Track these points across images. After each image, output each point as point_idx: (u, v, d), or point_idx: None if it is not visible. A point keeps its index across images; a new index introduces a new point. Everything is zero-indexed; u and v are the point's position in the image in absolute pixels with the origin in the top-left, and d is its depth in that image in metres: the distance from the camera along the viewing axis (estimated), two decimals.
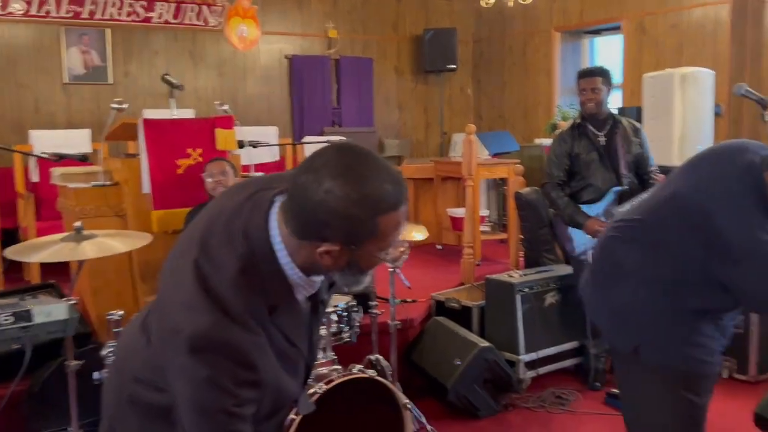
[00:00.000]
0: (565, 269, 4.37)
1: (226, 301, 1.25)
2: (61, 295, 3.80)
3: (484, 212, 6.43)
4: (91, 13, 7.26)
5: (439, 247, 6.66)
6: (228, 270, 1.27)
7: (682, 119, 4.93)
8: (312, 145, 6.67)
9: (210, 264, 1.29)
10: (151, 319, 1.41)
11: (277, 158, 6.68)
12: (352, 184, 1.21)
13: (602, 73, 4.05)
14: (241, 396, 1.24)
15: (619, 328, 2.28)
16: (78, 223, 2.73)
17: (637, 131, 4.11)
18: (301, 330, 1.40)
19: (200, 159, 3.66)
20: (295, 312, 1.37)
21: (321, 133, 8.17)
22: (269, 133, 6.28)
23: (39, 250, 2.68)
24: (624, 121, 4.13)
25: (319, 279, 1.40)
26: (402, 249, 1.34)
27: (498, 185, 6.97)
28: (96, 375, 2.67)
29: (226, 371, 1.22)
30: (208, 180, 3.48)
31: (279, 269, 1.31)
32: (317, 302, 1.44)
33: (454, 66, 9.02)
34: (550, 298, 4.23)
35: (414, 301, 4.60)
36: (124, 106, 3.57)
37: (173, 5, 7.68)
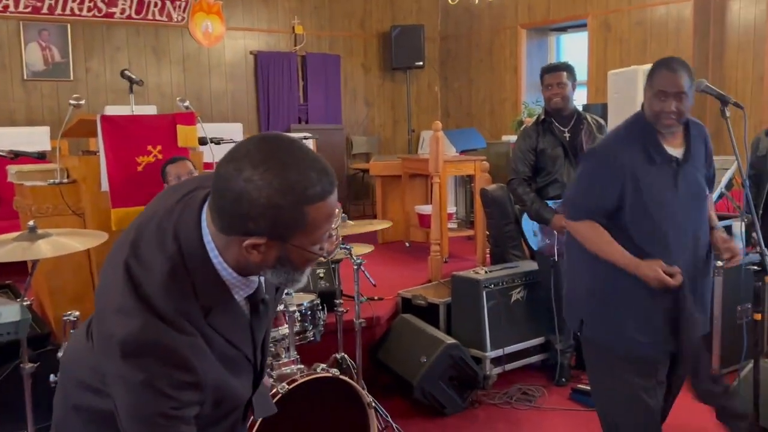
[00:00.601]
0: (531, 265, 4.38)
1: (156, 303, 1.20)
2: (17, 296, 3.70)
3: (451, 209, 6.43)
4: (51, 8, 7.11)
5: (407, 244, 6.64)
6: (157, 271, 1.23)
7: None
8: None
9: (140, 266, 1.24)
10: (93, 324, 1.36)
11: None
12: (273, 172, 1.15)
13: (567, 68, 4.06)
14: (179, 398, 1.19)
15: (569, 306, 2.67)
16: (31, 222, 2.65)
17: (600, 127, 4.12)
18: (241, 331, 1.35)
19: (160, 156, 3.59)
20: (233, 313, 1.32)
21: (288, 130, 8.10)
22: (234, 130, 6.20)
23: None
24: (588, 117, 4.15)
25: (256, 278, 1.34)
26: (336, 242, 1.26)
27: (465, 182, 6.98)
28: (53, 377, 2.60)
29: (160, 374, 1.17)
30: (174, 182, 3.39)
31: (212, 269, 1.25)
32: (257, 302, 1.37)
33: (421, 63, 9.01)
34: (516, 295, 4.23)
35: (380, 299, 4.57)
36: (81, 102, 3.48)
37: (135, 0, 7.55)
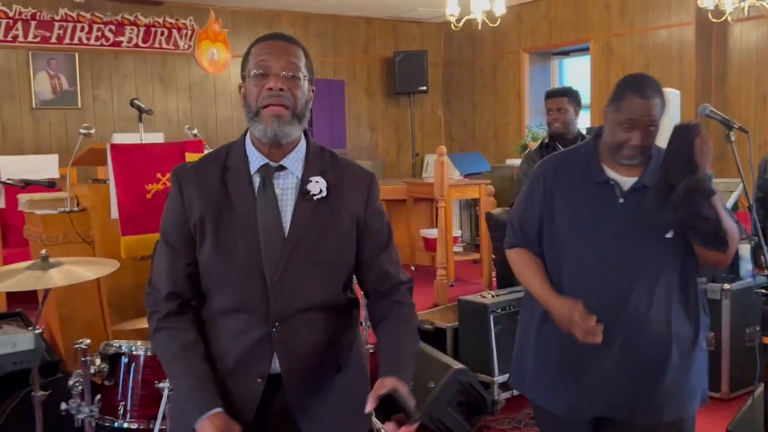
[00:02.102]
0: None
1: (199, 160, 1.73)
2: (27, 324, 3.72)
3: (456, 233, 6.45)
4: (60, 38, 7.21)
5: (412, 268, 6.66)
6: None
7: None
8: None
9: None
10: None
11: None
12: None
13: (568, 94, 4.10)
14: (169, 201, 1.68)
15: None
16: (44, 251, 2.68)
17: None
18: (244, 193, 1.63)
19: (169, 184, 3.62)
20: (243, 175, 1.64)
21: None
22: None
23: (4, 279, 2.62)
24: None
25: (258, 155, 1.65)
26: (275, 85, 1.61)
27: (470, 206, 7.01)
28: (63, 405, 2.61)
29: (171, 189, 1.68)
30: None
31: (241, 143, 1.68)
32: (268, 174, 1.64)
33: (425, 88, 9.09)
34: None
35: None
36: (92, 131, 3.53)
37: (143, 29, 7.65)
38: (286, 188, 1.63)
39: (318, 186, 1.62)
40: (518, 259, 2.18)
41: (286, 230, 1.60)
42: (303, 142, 1.67)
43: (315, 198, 1.62)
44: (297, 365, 1.62)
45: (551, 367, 2.11)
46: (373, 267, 1.71)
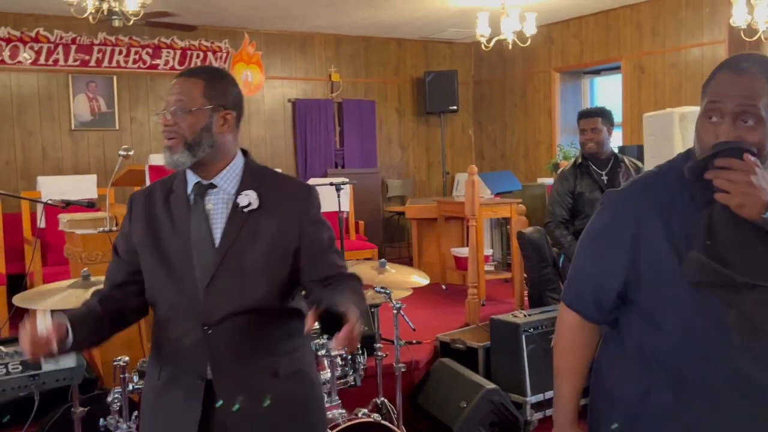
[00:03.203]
0: None
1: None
2: None
3: (488, 252, 6.45)
4: (98, 62, 7.41)
5: (443, 287, 6.66)
6: None
7: None
8: (316, 186, 6.73)
9: None
10: None
11: None
12: None
13: (602, 114, 4.10)
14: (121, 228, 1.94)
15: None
16: (85, 270, 2.76)
17: (639, 170, 4.15)
18: (183, 211, 1.81)
19: None
20: (182, 194, 1.82)
21: (325, 175, 8.24)
22: None
23: (46, 297, 2.71)
24: (626, 159, 4.17)
25: (193, 176, 1.82)
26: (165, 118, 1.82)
27: (501, 224, 7.00)
28: (102, 422, 2.67)
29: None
30: None
31: (184, 170, 1.83)
32: (201, 191, 1.80)
33: (455, 107, 9.13)
34: None
35: (419, 343, 4.59)
36: (131, 153, 3.63)
37: (179, 52, 7.83)
38: (217, 203, 1.80)
39: (247, 199, 1.77)
40: (567, 333, 1.66)
41: (218, 241, 1.76)
42: (239, 162, 1.85)
43: (245, 210, 1.77)
44: (227, 369, 1.75)
45: None
46: (314, 273, 1.81)
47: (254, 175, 1.84)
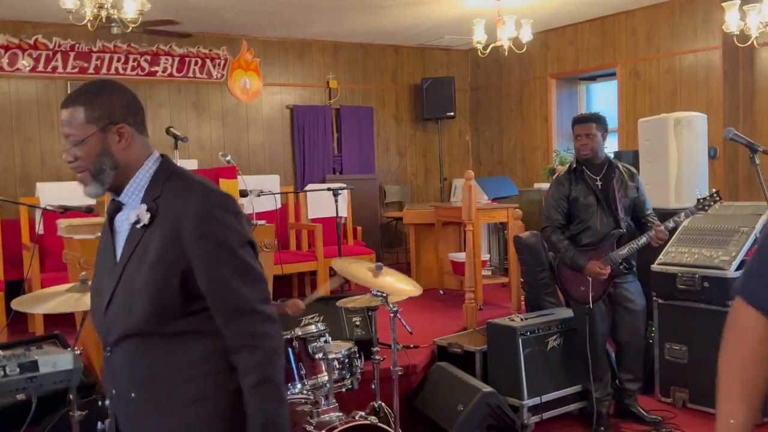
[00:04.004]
0: (567, 312, 4.39)
1: None
2: (65, 346, 3.82)
3: (485, 256, 6.47)
4: (97, 69, 7.44)
5: (441, 292, 6.68)
6: None
7: (678, 162, 5.00)
8: (314, 192, 6.77)
9: None
10: None
11: (279, 206, 6.76)
12: None
13: (596, 119, 4.13)
14: None
15: None
16: (83, 274, 2.78)
17: (632, 176, 4.18)
18: (106, 230, 1.76)
19: None
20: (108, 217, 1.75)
21: (323, 181, 8.28)
22: (272, 182, 6.38)
23: (44, 301, 2.73)
24: (620, 165, 4.20)
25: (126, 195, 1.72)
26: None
27: (499, 229, 7.03)
28: (99, 425, 2.69)
29: None
30: None
31: None
32: (110, 215, 1.74)
33: (453, 113, 9.17)
34: (553, 342, 4.24)
35: (416, 347, 4.61)
36: None
37: (177, 59, 7.86)
38: (123, 221, 1.70)
39: (136, 214, 1.65)
40: (751, 340, 1.26)
41: (118, 260, 1.69)
42: (144, 173, 1.70)
43: (138, 227, 1.65)
44: (123, 390, 1.69)
45: None
46: (212, 296, 1.64)
47: (155, 186, 1.68)
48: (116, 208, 1.72)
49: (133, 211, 1.65)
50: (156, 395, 1.66)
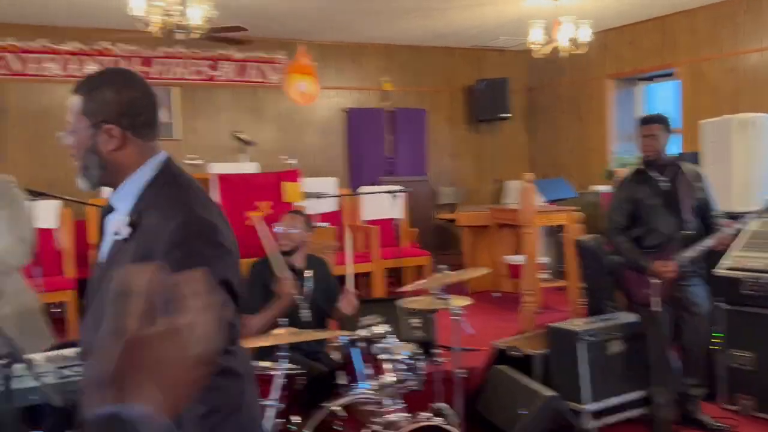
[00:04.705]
0: (630, 317, 4.34)
1: None
2: None
3: (543, 260, 6.43)
4: (160, 73, 7.65)
5: (496, 294, 6.66)
6: None
7: (742, 165, 4.90)
8: (368, 195, 6.83)
9: None
10: None
11: (336, 208, 6.83)
12: None
13: (661, 120, 4.08)
14: None
15: None
16: None
17: (699, 176, 4.11)
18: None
19: (271, 211, 3.81)
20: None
21: (377, 183, 8.33)
22: (328, 184, 6.46)
23: None
24: (686, 166, 4.14)
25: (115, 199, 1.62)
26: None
27: (554, 232, 6.97)
28: None
29: None
30: (278, 230, 3.62)
31: None
32: (102, 215, 1.66)
33: (507, 115, 9.12)
34: (615, 347, 4.19)
35: (474, 350, 4.61)
36: (199, 162, 3.76)
37: (237, 64, 8.03)
38: (110, 227, 1.61)
39: (117, 225, 1.54)
40: None
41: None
42: (140, 178, 1.57)
43: (117, 238, 1.55)
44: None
45: None
46: None
47: (152, 193, 1.56)
48: (106, 211, 1.64)
49: (115, 222, 1.56)
50: None
